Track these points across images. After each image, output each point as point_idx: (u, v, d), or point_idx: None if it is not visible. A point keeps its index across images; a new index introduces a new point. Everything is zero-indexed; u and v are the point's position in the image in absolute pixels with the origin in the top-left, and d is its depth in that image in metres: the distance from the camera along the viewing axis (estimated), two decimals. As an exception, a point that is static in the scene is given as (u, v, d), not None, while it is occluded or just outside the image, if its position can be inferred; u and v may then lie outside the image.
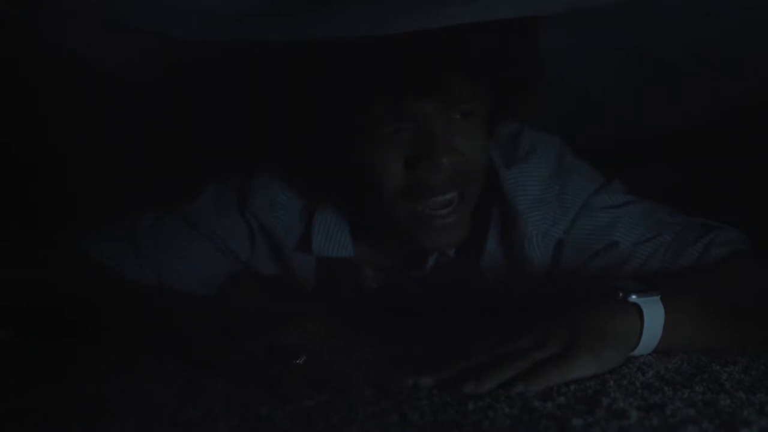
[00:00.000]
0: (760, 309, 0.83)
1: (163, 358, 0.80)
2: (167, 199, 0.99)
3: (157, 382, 0.75)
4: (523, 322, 0.79)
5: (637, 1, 0.86)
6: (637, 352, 0.79)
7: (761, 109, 1.07)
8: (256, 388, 0.72)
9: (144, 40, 0.86)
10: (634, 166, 1.06)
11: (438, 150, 0.84)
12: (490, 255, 0.97)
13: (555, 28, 0.92)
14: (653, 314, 0.78)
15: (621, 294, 0.79)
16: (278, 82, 0.88)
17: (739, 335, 0.84)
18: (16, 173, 1.21)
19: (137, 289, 0.91)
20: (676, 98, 1.09)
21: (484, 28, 0.78)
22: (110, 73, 0.99)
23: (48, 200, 1.20)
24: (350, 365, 0.75)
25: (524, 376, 0.71)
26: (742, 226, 0.95)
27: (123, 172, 1.16)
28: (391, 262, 1.00)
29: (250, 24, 0.79)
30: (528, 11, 0.76)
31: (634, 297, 0.79)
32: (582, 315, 0.78)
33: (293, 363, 0.73)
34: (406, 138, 0.85)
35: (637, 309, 0.78)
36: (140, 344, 0.81)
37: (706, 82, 1.05)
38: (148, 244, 0.95)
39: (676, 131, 1.14)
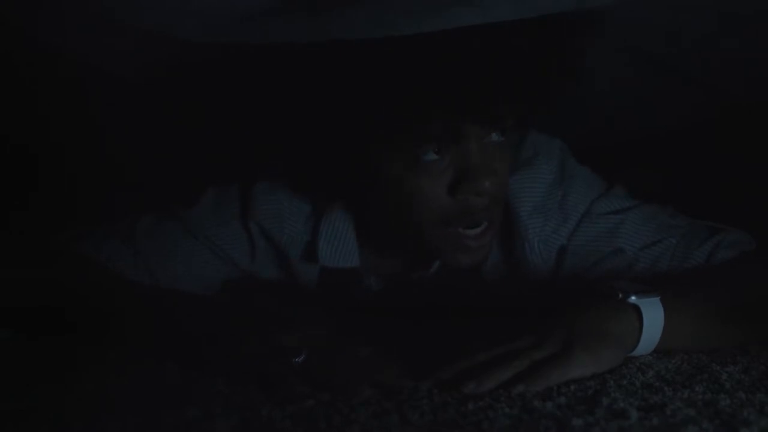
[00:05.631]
0: (763, 309, 0.83)
1: (163, 358, 0.80)
2: (169, 200, 0.99)
3: (157, 382, 0.75)
4: (524, 324, 0.79)
5: (637, 1, 0.86)
6: (636, 352, 0.79)
7: (761, 109, 1.07)
8: (256, 388, 0.72)
9: (144, 40, 0.86)
10: (634, 166, 1.06)
11: (482, 174, 0.82)
12: (492, 260, 0.96)
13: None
14: (652, 315, 0.78)
15: (620, 294, 0.79)
16: (304, 90, 0.83)
17: (740, 335, 0.84)
18: (17, 173, 1.21)
19: (137, 289, 0.91)
20: (676, 99, 1.08)
21: (535, 49, 0.77)
22: (110, 72, 0.98)
23: (48, 200, 1.20)
24: (351, 365, 0.75)
25: (524, 376, 0.71)
26: (741, 226, 0.95)
27: (123, 172, 1.15)
28: (394, 269, 1.00)
29: (252, 25, 0.79)
30: (530, 12, 0.76)
31: (633, 298, 0.78)
32: (581, 315, 0.78)
33: (293, 362, 0.73)
34: (448, 163, 0.83)
35: (636, 309, 0.78)
36: (140, 344, 0.81)
37: (706, 83, 1.05)
38: (146, 247, 0.95)
39: (675, 131, 1.14)
